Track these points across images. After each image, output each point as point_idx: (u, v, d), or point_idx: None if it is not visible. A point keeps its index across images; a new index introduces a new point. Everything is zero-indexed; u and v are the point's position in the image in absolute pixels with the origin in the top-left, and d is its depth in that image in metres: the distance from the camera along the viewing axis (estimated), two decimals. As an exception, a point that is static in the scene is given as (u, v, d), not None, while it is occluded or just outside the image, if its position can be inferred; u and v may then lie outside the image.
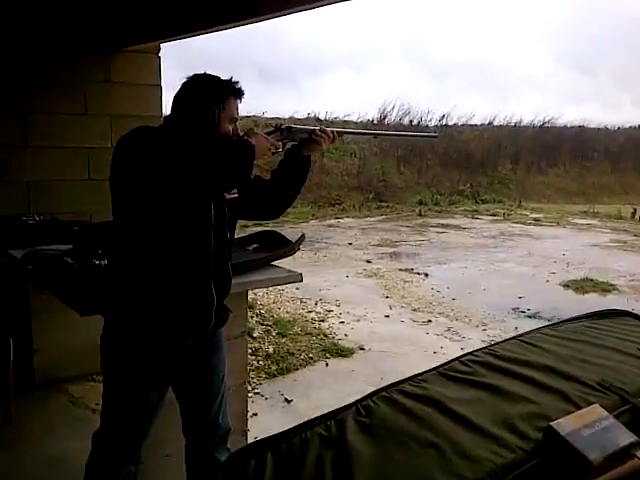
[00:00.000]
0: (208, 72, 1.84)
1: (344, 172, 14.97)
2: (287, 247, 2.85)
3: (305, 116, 15.88)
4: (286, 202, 2.11)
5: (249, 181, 1.87)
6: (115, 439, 1.94)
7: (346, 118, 16.96)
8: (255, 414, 3.42)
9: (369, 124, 17.57)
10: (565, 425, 0.98)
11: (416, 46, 36.74)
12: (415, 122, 18.31)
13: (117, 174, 1.75)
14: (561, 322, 1.54)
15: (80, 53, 3.57)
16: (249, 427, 2.84)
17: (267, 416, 3.46)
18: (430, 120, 18.73)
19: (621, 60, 38.28)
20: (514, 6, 40.11)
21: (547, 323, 4.90)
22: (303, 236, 2.96)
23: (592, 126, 21.90)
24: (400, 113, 18.01)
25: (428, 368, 1.23)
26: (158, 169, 1.63)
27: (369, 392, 1.12)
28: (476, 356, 1.29)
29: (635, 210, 13.03)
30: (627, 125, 23.14)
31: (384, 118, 17.85)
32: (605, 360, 1.29)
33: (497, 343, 1.39)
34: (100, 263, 2.44)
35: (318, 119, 16.02)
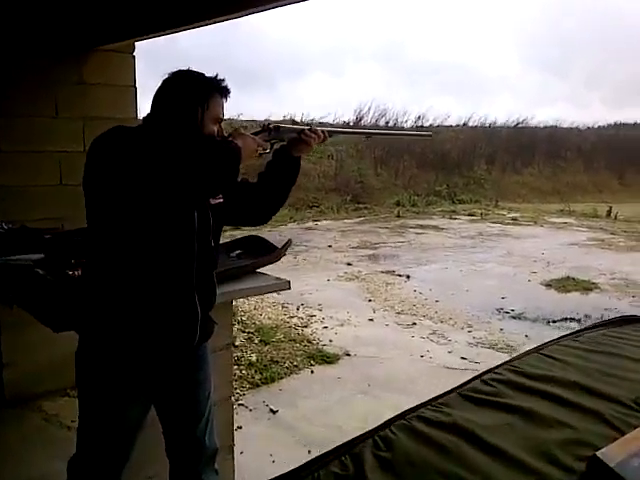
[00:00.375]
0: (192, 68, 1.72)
1: (321, 174, 14.86)
2: (273, 253, 2.72)
3: (281, 118, 15.72)
4: (275, 206, 1.99)
5: (235, 185, 1.75)
6: (93, 463, 1.82)
7: (322, 120, 16.84)
8: (239, 427, 3.26)
9: (346, 126, 17.48)
10: (612, 454, 0.87)
11: (390, 48, 36.84)
12: (391, 123, 18.28)
13: (91, 177, 1.61)
14: (579, 331, 1.44)
15: (51, 53, 3.39)
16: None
17: (252, 429, 3.31)
18: (406, 121, 18.73)
19: (591, 60, 38.91)
20: (485, 8, 40.53)
21: (531, 324, 4.85)
22: (290, 241, 2.84)
23: (564, 126, 22.17)
24: (376, 115, 17.95)
25: (445, 388, 1.12)
26: (136, 172, 1.50)
27: (386, 420, 0.99)
28: (498, 374, 1.18)
29: (610, 208, 13.14)
30: (597, 125, 23.50)
31: (360, 119, 17.77)
32: (633, 374, 1.19)
33: (517, 357, 1.28)
34: (74, 274, 2.29)
35: (294, 121, 15.87)
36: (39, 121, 3.41)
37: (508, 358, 1.25)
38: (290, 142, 1.92)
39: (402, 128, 18.27)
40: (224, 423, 2.53)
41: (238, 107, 14.44)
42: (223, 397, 2.52)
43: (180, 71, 1.69)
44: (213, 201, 1.78)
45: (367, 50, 35.52)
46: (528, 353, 1.31)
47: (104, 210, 1.63)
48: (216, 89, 1.68)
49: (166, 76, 1.67)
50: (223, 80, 1.69)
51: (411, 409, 1.03)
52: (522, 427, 0.98)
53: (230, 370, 2.59)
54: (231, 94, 1.71)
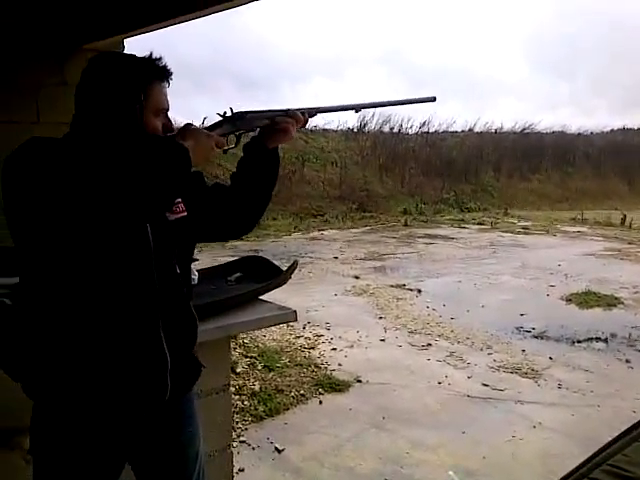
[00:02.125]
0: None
1: (325, 182, 14.54)
2: (278, 277, 2.37)
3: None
4: (255, 212, 1.61)
5: (204, 192, 1.43)
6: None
7: (326, 126, 16.56)
8: (241, 469, 2.91)
9: (349, 132, 17.24)
10: None
11: (393, 53, 36.61)
12: (395, 129, 17.97)
13: (11, 204, 1.23)
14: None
15: (31, 54, 3.06)
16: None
17: (255, 472, 2.94)
18: (411, 127, 18.42)
19: (597, 64, 38.63)
20: (490, 12, 40.30)
21: (555, 344, 4.44)
22: (295, 263, 2.49)
23: (571, 131, 21.88)
24: (380, 120, 17.64)
25: None
26: (59, 192, 1.15)
27: None
28: (597, 481, 0.83)
29: (625, 216, 12.74)
30: (605, 129, 23.22)
31: (364, 126, 17.49)
32: None
33: (612, 448, 0.93)
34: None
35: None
36: (19, 127, 3.08)
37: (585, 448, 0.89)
38: (263, 131, 1.55)
39: (407, 134, 18.00)
40: (221, 478, 2.18)
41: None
42: (220, 448, 2.17)
43: (102, 57, 1.33)
44: (173, 216, 1.43)
45: (370, 55, 35.32)
46: (627, 441, 0.95)
47: (31, 240, 1.25)
48: (154, 74, 1.32)
49: (87, 65, 1.32)
50: (160, 59, 1.33)
51: None
52: None
53: (228, 417, 2.23)
54: (173, 76, 1.34)
